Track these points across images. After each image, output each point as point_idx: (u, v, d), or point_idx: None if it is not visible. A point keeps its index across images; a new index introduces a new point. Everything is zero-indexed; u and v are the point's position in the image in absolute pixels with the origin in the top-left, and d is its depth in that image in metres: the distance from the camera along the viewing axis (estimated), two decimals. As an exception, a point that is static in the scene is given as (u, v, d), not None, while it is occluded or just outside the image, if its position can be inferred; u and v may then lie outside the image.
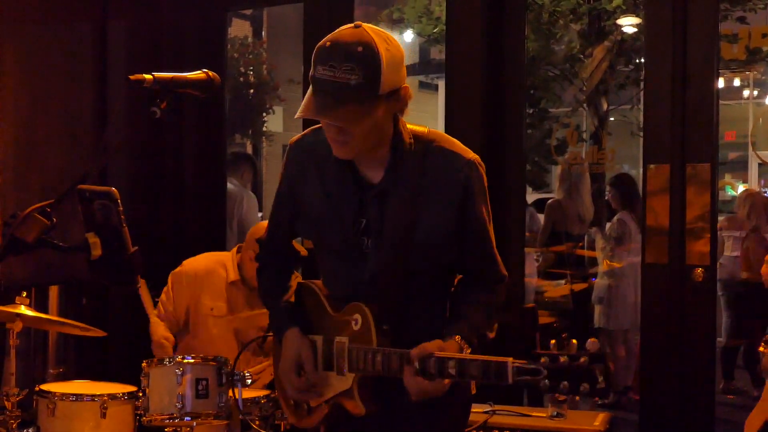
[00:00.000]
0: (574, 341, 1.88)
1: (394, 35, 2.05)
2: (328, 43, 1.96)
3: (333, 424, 2.26)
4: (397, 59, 1.98)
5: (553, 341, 1.86)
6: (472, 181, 2.08)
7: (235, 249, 4.02)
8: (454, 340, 2.06)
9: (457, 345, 2.05)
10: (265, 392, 3.55)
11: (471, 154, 2.11)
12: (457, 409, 2.28)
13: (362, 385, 2.13)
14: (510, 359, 1.84)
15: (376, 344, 2.08)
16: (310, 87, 2.01)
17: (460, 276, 2.25)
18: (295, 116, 2.03)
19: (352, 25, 2.01)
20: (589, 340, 2.07)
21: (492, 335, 2.20)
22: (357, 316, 2.13)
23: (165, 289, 4.01)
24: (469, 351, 2.05)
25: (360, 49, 1.92)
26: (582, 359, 1.82)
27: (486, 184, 2.14)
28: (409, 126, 2.13)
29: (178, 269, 4.00)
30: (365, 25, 2.01)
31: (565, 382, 1.81)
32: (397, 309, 2.12)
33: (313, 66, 1.99)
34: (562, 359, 1.82)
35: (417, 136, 2.11)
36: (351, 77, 1.91)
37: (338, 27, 2.03)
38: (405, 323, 2.12)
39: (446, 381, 1.98)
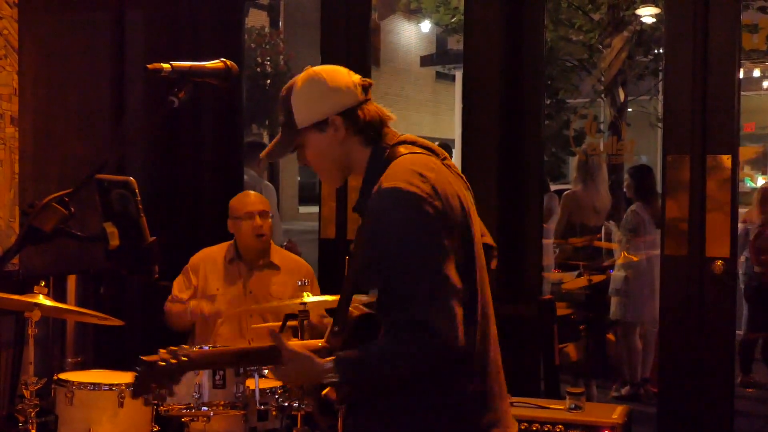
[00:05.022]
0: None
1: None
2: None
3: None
4: (315, 93, 2.15)
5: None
6: (377, 211, 2.02)
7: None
8: (327, 360, 2.02)
9: (326, 365, 2.01)
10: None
11: (389, 183, 2.01)
12: None
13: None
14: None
15: (325, 341, 2.15)
16: None
17: None
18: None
19: None
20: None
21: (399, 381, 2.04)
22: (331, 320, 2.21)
23: (176, 283, 4.09)
24: (335, 379, 2.00)
25: (284, 93, 2.19)
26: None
27: (411, 214, 1.97)
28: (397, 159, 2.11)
29: (187, 264, 4.13)
30: (312, 68, 2.22)
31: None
32: (354, 328, 2.14)
33: None
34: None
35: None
36: (280, 118, 2.21)
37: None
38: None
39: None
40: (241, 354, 2.23)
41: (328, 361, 2.02)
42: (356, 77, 2.19)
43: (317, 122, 2.15)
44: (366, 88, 2.18)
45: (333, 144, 2.16)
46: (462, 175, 2.24)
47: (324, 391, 2.12)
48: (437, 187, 2.01)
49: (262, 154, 2.27)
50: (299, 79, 2.19)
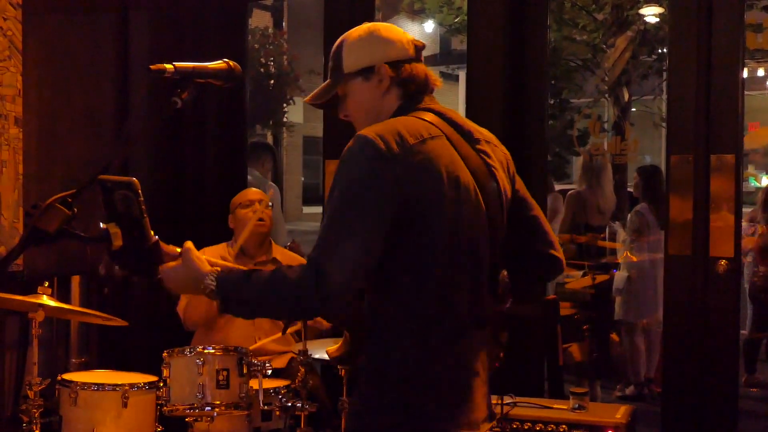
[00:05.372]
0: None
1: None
2: None
3: None
4: (367, 40, 2.17)
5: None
6: (343, 152, 2.01)
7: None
8: (213, 268, 2.03)
9: (208, 272, 2.01)
10: (286, 382, 3.56)
11: (364, 130, 2.00)
12: None
13: None
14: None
15: None
16: None
17: None
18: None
19: None
20: None
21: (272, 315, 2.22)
22: None
23: None
24: (212, 288, 1.99)
25: (338, 42, 2.21)
26: None
27: (361, 165, 1.94)
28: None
29: None
30: (368, 24, 2.23)
31: None
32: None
33: None
34: None
35: None
36: (330, 65, 2.21)
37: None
38: None
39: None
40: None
41: (212, 270, 2.01)
42: (410, 36, 2.21)
43: (364, 68, 2.14)
44: (419, 49, 2.19)
45: (376, 95, 2.15)
46: (494, 169, 2.18)
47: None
48: (411, 156, 1.95)
49: (306, 99, 2.27)
50: (355, 29, 2.21)
